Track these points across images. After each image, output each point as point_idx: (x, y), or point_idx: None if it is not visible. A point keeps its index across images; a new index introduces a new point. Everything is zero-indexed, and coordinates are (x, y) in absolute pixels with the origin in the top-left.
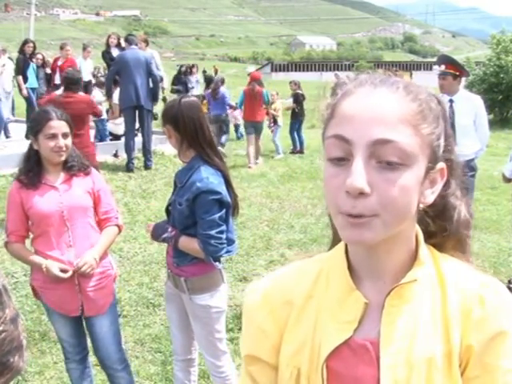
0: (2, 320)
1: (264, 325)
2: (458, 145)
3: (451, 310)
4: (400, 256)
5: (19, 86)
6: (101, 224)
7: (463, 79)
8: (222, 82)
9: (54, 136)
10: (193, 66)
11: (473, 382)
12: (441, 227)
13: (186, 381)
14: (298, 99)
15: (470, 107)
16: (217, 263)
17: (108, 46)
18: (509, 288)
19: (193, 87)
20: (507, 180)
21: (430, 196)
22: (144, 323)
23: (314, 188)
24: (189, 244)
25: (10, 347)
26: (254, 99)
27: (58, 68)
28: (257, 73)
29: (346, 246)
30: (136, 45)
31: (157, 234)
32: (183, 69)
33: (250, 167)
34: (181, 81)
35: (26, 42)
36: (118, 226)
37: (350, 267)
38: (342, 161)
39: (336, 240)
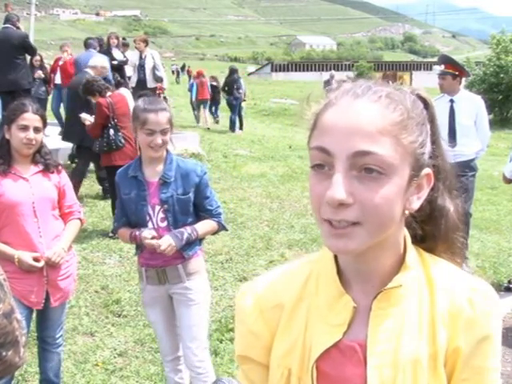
0: None
1: (255, 327)
2: (458, 145)
3: (438, 312)
4: (387, 261)
5: None
6: (64, 217)
7: (463, 79)
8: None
9: (25, 128)
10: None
11: None
12: (430, 232)
13: (178, 379)
14: (213, 89)
15: (471, 107)
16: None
17: (109, 46)
18: (509, 288)
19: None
20: (507, 181)
21: (416, 202)
22: (144, 323)
23: None
24: (204, 226)
25: (4, 341)
26: (202, 86)
27: (58, 68)
28: (200, 70)
29: None
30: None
31: (177, 240)
32: (235, 76)
33: (209, 128)
34: (231, 84)
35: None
36: (80, 219)
37: (338, 270)
38: (324, 168)
39: None
